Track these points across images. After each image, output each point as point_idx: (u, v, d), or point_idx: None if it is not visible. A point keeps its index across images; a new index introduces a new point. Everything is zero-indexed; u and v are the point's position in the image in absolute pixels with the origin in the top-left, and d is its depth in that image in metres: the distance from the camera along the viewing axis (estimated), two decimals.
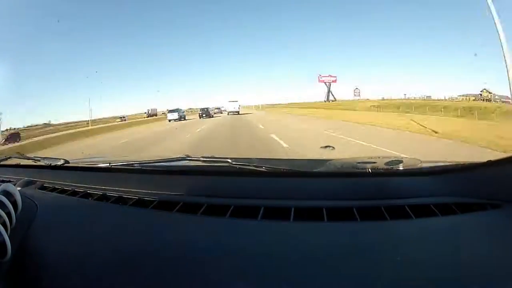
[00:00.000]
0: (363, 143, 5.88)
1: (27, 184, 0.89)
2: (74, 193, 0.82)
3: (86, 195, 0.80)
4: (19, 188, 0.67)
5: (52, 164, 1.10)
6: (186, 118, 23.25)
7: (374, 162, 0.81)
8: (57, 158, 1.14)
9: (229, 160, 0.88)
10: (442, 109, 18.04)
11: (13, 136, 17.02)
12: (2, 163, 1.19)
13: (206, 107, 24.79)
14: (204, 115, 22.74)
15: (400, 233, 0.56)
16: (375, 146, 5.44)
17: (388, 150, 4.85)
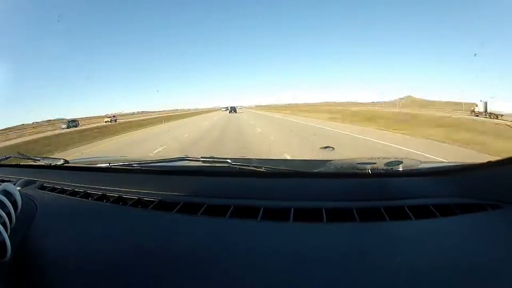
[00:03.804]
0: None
1: (27, 184, 0.89)
2: (74, 193, 0.82)
3: (86, 195, 0.80)
4: (19, 188, 0.67)
5: (52, 164, 1.10)
6: None
7: (374, 163, 0.81)
8: (57, 158, 1.14)
9: (229, 161, 0.88)
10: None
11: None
12: (2, 163, 1.19)
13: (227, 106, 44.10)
14: (232, 110, 39.25)
15: (400, 234, 0.56)
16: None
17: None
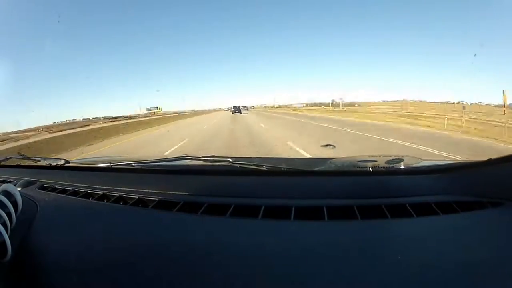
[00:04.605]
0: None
1: (28, 184, 0.89)
2: (74, 193, 0.82)
3: (86, 195, 0.80)
4: (19, 188, 0.68)
5: (52, 164, 1.10)
6: None
7: (375, 161, 0.81)
8: (57, 158, 1.14)
9: (230, 159, 0.88)
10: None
11: None
12: (2, 163, 1.19)
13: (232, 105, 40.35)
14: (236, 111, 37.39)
15: (401, 231, 0.56)
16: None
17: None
